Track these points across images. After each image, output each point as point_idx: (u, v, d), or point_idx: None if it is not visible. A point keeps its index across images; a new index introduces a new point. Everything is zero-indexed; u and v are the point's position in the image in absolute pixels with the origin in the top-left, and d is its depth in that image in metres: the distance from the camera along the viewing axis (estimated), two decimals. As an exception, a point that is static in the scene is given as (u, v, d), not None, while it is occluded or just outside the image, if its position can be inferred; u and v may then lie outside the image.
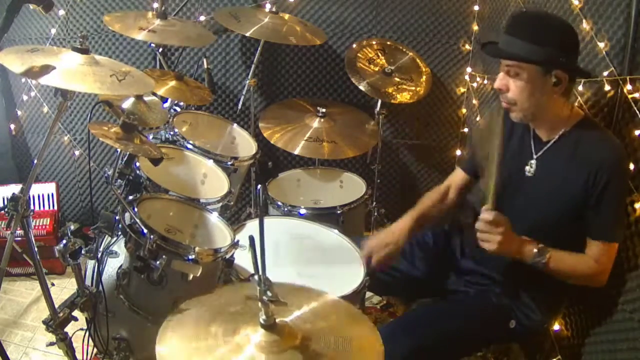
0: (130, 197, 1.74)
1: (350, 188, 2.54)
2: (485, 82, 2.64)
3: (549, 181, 1.64)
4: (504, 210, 1.74)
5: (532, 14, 1.77)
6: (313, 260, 1.88)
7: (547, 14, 1.91)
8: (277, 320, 1.13)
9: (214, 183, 2.14)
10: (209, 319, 1.20)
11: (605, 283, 1.62)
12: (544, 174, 1.66)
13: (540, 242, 1.65)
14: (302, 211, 2.27)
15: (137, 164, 1.85)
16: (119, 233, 1.73)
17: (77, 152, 3.07)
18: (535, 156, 1.68)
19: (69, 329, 1.64)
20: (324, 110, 2.60)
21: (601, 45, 1.75)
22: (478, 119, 2.72)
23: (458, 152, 2.98)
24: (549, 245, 1.63)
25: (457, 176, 1.98)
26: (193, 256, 1.58)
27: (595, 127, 1.64)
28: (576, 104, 1.85)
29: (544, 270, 1.59)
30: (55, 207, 2.88)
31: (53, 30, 2.85)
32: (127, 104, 1.85)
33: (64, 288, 2.69)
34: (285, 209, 2.30)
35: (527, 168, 1.69)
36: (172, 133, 2.22)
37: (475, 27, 2.75)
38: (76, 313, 1.64)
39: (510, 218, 1.72)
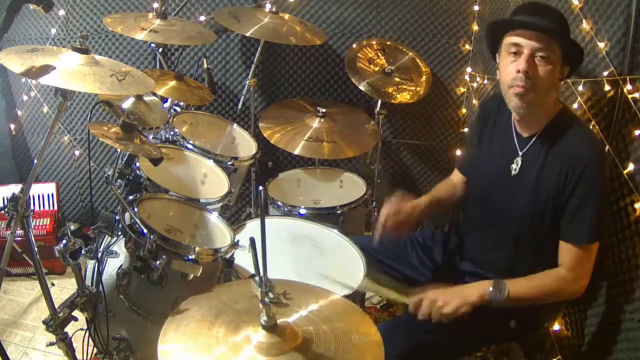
0: (130, 197, 1.74)
1: (350, 188, 2.54)
2: (485, 82, 2.64)
3: (531, 178, 1.62)
4: (490, 208, 1.74)
5: (546, 4, 1.74)
6: (313, 260, 1.88)
7: None
8: (278, 321, 1.13)
9: (214, 183, 2.14)
10: (213, 316, 1.20)
11: (583, 290, 1.56)
12: (528, 171, 1.64)
13: (526, 240, 1.64)
14: (302, 211, 2.27)
15: (137, 164, 1.85)
16: (119, 233, 1.73)
17: (77, 152, 3.07)
18: (520, 153, 1.67)
19: (69, 329, 1.63)
20: (324, 110, 2.60)
21: (601, 45, 1.75)
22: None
23: (458, 152, 2.98)
24: (534, 245, 1.62)
25: (456, 176, 2.01)
26: (193, 256, 1.58)
27: (572, 119, 1.62)
28: (576, 104, 1.86)
29: (510, 302, 1.53)
30: (55, 207, 2.88)
31: (53, 30, 2.85)
32: (127, 104, 1.85)
33: (64, 288, 2.69)
34: (285, 209, 2.30)
35: (513, 166, 1.68)
36: (172, 133, 2.22)
37: (475, 27, 2.75)
38: (76, 313, 1.64)
39: (497, 216, 1.72)
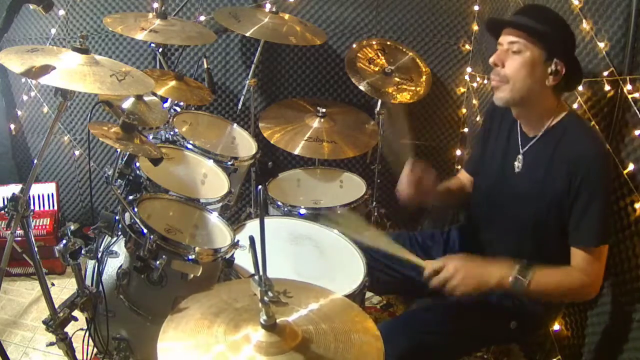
0: (130, 197, 1.74)
1: (350, 188, 2.54)
2: (485, 82, 2.64)
3: (534, 177, 1.63)
4: (492, 207, 1.75)
5: (541, 5, 1.77)
6: (313, 260, 1.88)
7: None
8: (278, 321, 1.13)
9: (214, 183, 2.13)
10: (213, 314, 1.20)
11: (597, 291, 1.57)
12: (530, 170, 1.65)
13: (528, 242, 1.63)
14: (302, 211, 2.27)
15: (137, 164, 1.85)
16: (119, 233, 1.73)
17: (77, 152, 3.07)
18: (521, 151, 1.67)
19: (69, 329, 1.63)
20: (324, 110, 2.60)
21: (601, 45, 1.75)
22: (478, 118, 2.72)
23: (458, 152, 2.98)
24: (536, 247, 1.61)
25: (463, 176, 2.03)
26: (193, 256, 1.58)
27: (578, 122, 1.62)
28: (576, 104, 1.86)
29: (527, 291, 1.51)
30: (55, 207, 2.88)
31: (53, 30, 2.85)
32: (127, 104, 1.85)
33: (64, 288, 2.69)
34: (285, 209, 2.30)
35: (516, 164, 1.68)
36: (172, 133, 2.22)
37: (475, 27, 2.75)
38: (76, 313, 1.63)
39: (498, 215, 1.72)
